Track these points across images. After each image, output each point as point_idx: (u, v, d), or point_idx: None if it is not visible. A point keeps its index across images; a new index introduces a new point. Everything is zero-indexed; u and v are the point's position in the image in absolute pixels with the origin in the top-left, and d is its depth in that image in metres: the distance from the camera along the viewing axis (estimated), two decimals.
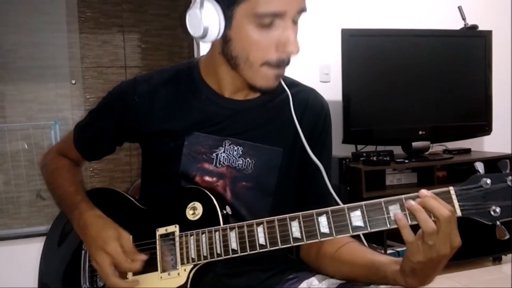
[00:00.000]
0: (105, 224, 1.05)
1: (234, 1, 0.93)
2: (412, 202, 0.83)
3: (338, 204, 0.92)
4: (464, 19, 3.04)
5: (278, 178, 1.10)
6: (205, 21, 0.95)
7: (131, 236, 1.04)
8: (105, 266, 1.00)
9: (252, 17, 0.92)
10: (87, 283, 1.09)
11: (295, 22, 0.96)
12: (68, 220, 1.14)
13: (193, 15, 0.97)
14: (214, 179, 1.08)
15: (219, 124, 1.08)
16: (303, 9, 0.96)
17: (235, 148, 1.08)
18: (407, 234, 0.84)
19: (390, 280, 0.91)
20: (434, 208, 0.81)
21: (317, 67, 3.05)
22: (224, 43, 0.99)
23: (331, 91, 2.82)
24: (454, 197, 0.82)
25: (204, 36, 0.97)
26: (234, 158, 1.08)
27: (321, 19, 2.96)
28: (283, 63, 0.98)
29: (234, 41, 0.97)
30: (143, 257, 1.01)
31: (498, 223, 0.82)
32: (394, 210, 0.84)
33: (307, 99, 1.13)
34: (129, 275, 1.03)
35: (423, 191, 0.83)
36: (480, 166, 0.85)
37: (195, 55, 2.84)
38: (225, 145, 1.08)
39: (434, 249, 0.82)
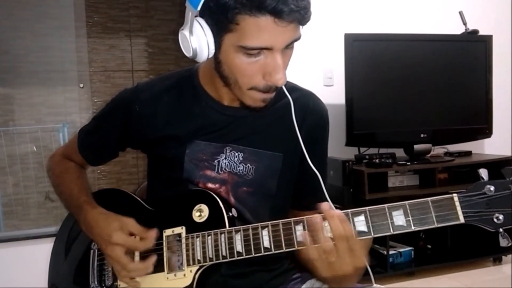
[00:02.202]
0: (107, 218, 1.05)
1: (222, 29, 0.91)
2: (318, 220, 0.87)
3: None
4: (465, 24, 3.07)
5: (278, 182, 1.11)
6: (194, 44, 0.95)
7: (134, 220, 1.03)
8: (119, 257, 1.01)
9: (238, 47, 0.91)
10: (96, 282, 1.11)
11: (288, 48, 0.95)
12: (75, 221, 1.16)
13: (183, 36, 0.97)
14: (217, 185, 1.09)
15: (220, 130, 1.09)
16: (295, 40, 0.93)
17: (236, 154, 1.09)
18: (313, 252, 0.87)
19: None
20: (332, 228, 0.85)
21: (320, 71, 3.09)
22: (216, 63, 0.99)
23: (334, 95, 2.87)
24: (457, 204, 0.82)
25: (195, 56, 0.97)
26: (235, 164, 1.09)
27: (325, 24, 3.00)
28: (271, 89, 0.97)
29: (223, 64, 0.97)
30: (153, 233, 1.02)
31: (501, 230, 0.82)
32: (398, 215, 0.85)
33: (308, 104, 1.14)
34: (136, 256, 1.03)
35: (328, 209, 0.87)
36: (484, 173, 0.84)
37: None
38: (226, 152, 1.09)
39: (337, 266, 0.86)
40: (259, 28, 0.88)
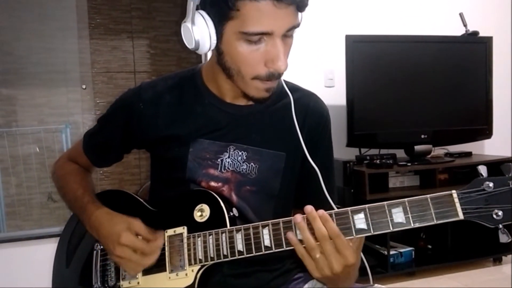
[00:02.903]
0: (113, 219, 1.06)
1: (224, 18, 0.93)
2: (298, 220, 0.87)
3: (333, 208, 0.94)
4: (465, 25, 3.07)
5: (281, 181, 1.11)
6: (196, 35, 0.96)
7: (141, 221, 1.03)
8: (129, 256, 1.01)
9: (240, 34, 0.93)
10: (99, 282, 1.11)
11: (288, 36, 0.97)
12: (79, 221, 1.16)
13: (186, 28, 0.98)
14: (220, 184, 1.09)
15: (223, 129, 1.09)
16: (294, 26, 0.95)
17: (240, 153, 1.09)
18: (300, 250, 0.88)
19: None
20: (315, 229, 0.86)
21: (321, 72, 3.09)
22: (218, 55, 1.00)
23: (336, 95, 2.88)
24: (456, 200, 0.82)
25: (197, 48, 0.99)
26: (238, 163, 1.09)
27: (326, 26, 3.01)
28: (273, 76, 0.98)
29: (226, 55, 0.98)
30: (160, 233, 1.03)
31: (500, 226, 0.81)
32: (397, 213, 0.85)
33: (308, 104, 1.15)
34: (139, 274, 1.05)
35: (310, 212, 0.87)
36: (483, 170, 0.84)
37: (203, 61, 2.86)
38: (229, 151, 1.09)
39: (325, 266, 0.86)
40: (259, 13, 0.90)
